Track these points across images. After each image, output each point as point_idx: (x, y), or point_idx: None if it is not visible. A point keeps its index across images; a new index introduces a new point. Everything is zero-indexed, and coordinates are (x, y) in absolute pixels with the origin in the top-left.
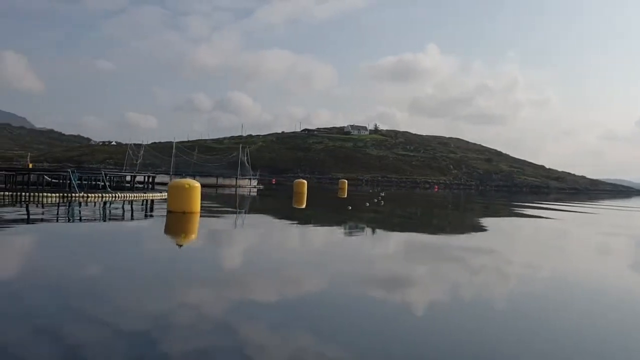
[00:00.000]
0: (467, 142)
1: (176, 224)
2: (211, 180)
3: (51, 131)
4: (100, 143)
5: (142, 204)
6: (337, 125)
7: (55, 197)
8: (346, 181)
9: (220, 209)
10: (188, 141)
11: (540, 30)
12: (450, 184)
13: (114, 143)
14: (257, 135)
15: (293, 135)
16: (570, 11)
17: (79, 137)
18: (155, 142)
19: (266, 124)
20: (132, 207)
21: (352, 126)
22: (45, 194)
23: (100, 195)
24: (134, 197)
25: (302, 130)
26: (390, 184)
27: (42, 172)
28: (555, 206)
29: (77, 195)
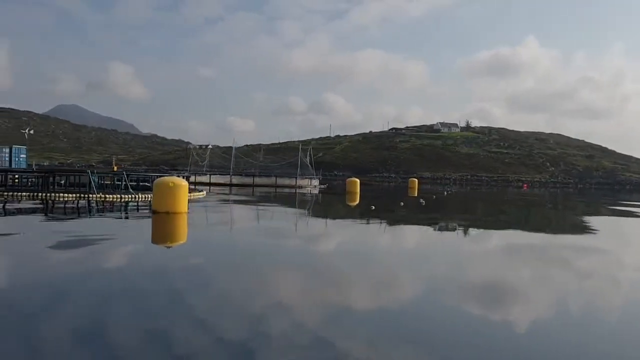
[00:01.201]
0: (568, 137)
1: (157, 225)
2: (270, 181)
3: (154, 136)
4: (197, 146)
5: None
6: (429, 123)
7: (72, 197)
8: (416, 180)
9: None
10: (278, 143)
11: None
12: (546, 182)
13: (210, 146)
14: (344, 136)
15: (380, 135)
16: None
17: (179, 141)
18: (247, 145)
19: (357, 124)
20: (137, 207)
21: (442, 124)
22: (61, 194)
23: (119, 196)
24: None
25: (389, 129)
26: (480, 183)
27: (66, 173)
28: None
29: (94, 195)
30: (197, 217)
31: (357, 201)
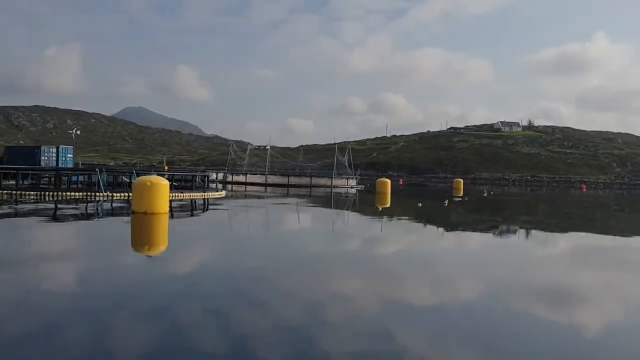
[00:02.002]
0: (638, 137)
1: (136, 227)
2: (305, 181)
3: (216, 137)
4: (255, 147)
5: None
6: (491, 122)
7: (79, 195)
8: (462, 180)
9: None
10: (333, 143)
11: None
12: (611, 183)
13: (268, 147)
14: (400, 136)
15: (437, 134)
16: None
17: (240, 142)
18: (302, 145)
19: (418, 124)
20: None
21: (502, 123)
22: (69, 193)
23: (127, 194)
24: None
25: (448, 129)
26: (540, 184)
27: (74, 172)
28: None
29: (101, 194)
30: (180, 222)
31: (388, 204)
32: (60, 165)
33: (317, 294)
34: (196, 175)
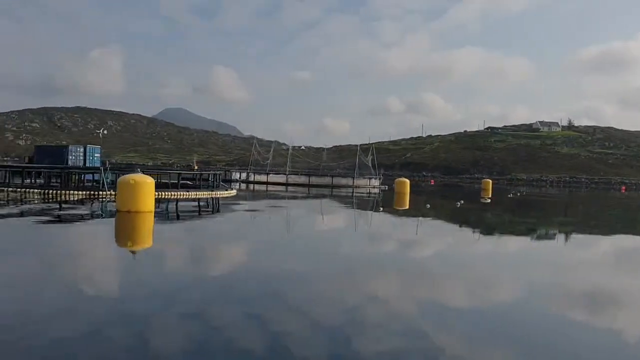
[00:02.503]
0: None
1: (120, 226)
2: (326, 181)
3: (252, 137)
4: (291, 147)
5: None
6: (530, 122)
7: (81, 194)
8: (490, 181)
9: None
10: (368, 143)
11: None
12: None
13: (302, 147)
14: (436, 136)
15: (473, 135)
16: None
17: (275, 142)
18: (337, 145)
19: (456, 124)
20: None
21: (541, 122)
22: (75, 192)
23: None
24: (178, 195)
25: (485, 129)
26: (578, 185)
27: (80, 171)
28: None
29: (105, 193)
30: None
31: (406, 205)
32: (87, 165)
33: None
34: (206, 174)
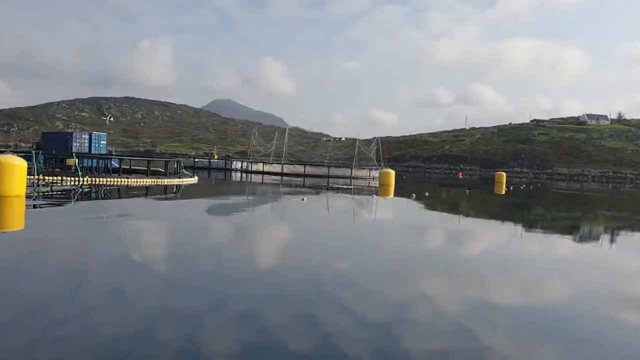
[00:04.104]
0: None
1: None
2: (322, 171)
3: (296, 128)
4: (331, 139)
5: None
6: (582, 114)
7: (56, 179)
8: (504, 174)
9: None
10: (410, 135)
11: None
12: None
13: (343, 139)
14: (479, 128)
15: (517, 127)
16: None
17: (319, 133)
18: (374, 137)
19: (506, 116)
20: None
21: (588, 115)
22: (46, 177)
23: (62, 178)
24: (111, 181)
25: (531, 121)
26: (622, 181)
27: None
28: None
29: (35, 177)
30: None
31: (390, 194)
32: (93, 152)
33: None
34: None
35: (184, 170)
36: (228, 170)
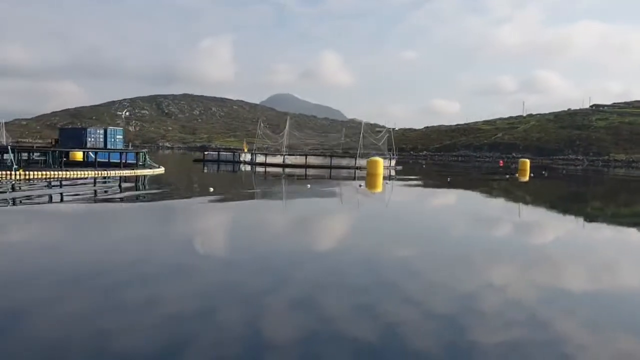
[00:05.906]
0: None
1: None
2: (325, 161)
3: (352, 121)
4: (385, 129)
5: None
6: None
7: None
8: (528, 161)
9: None
10: (465, 124)
11: None
12: None
13: (396, 129)
14: (535, 114)
15: (573, 113)
16: None
17: (375, 125)
18: (426, 127)
19: (572, 102)
20: None
21: None
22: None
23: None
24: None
25: (590, 106)
26: None
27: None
28: None
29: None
30: None
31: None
32: (109, 147)
33: None
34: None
35: (149, 161)
36: (237, 162)
